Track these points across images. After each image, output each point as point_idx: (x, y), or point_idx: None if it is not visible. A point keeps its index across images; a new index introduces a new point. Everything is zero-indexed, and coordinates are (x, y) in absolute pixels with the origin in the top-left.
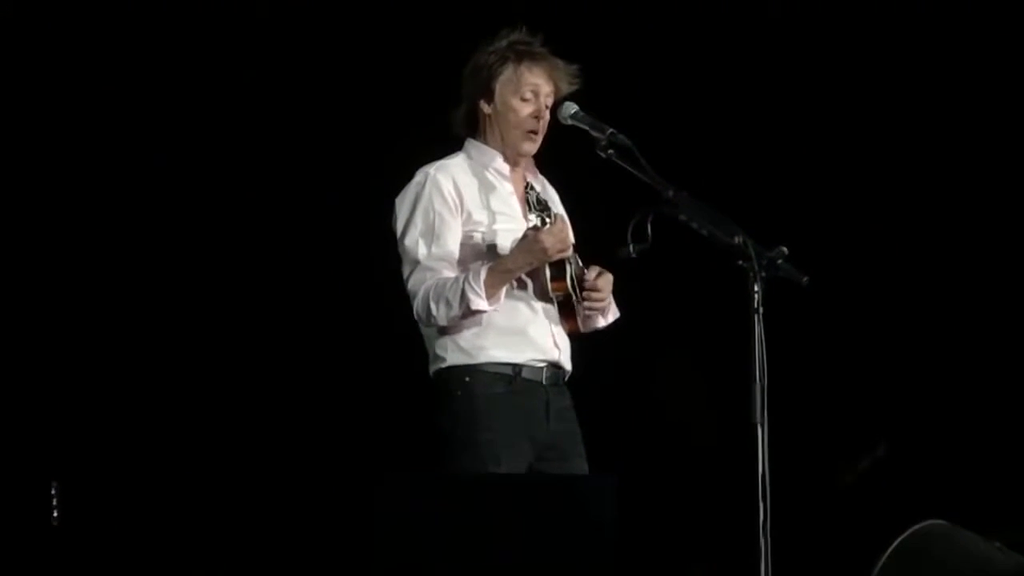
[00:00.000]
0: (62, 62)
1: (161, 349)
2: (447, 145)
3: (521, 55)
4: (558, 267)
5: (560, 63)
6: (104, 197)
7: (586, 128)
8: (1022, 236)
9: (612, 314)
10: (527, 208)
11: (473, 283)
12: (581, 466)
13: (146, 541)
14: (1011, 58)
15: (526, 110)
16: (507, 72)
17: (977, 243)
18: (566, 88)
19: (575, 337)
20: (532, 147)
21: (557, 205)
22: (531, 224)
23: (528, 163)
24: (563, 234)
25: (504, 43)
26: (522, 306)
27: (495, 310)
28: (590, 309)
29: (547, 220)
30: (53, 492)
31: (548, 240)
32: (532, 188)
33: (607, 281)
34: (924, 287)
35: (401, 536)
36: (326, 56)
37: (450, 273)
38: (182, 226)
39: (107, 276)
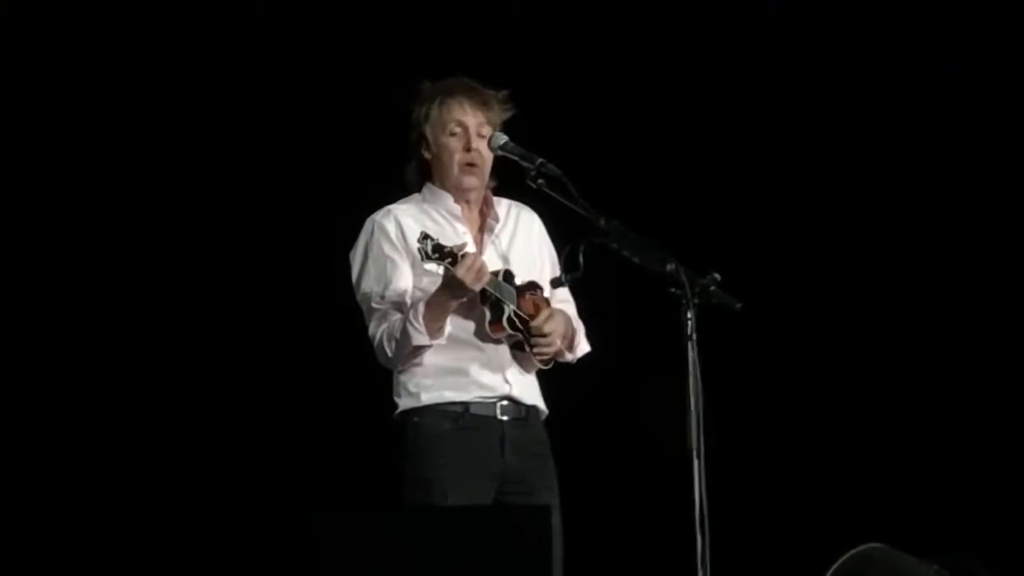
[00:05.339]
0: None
1: (100, 374)
2: None
3: (442, 94)
4: (495, 310)
5: (486, 93)
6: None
7: (516, 159)
8: (958, 253)
9: (581, 349)
10: (422, 258)
11: (412, 320)
12: (549, 499)
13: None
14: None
15: (455, 145)
16: (433, 114)
17: (915, 264)
18: (499, 116)
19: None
20: (474, 180)
21: (524, 231)
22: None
23: (484, 198)
24: (476, 265)
25: (428, 89)
26: (467, 347)
27: (442, 343)
28: (539, 354)
29: (447, 264)
30: None
31: (461, 272)
32: (427, 238)
33: (556, 323)
34: (860, 308)
35: (339, 571)
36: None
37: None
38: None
39: None
